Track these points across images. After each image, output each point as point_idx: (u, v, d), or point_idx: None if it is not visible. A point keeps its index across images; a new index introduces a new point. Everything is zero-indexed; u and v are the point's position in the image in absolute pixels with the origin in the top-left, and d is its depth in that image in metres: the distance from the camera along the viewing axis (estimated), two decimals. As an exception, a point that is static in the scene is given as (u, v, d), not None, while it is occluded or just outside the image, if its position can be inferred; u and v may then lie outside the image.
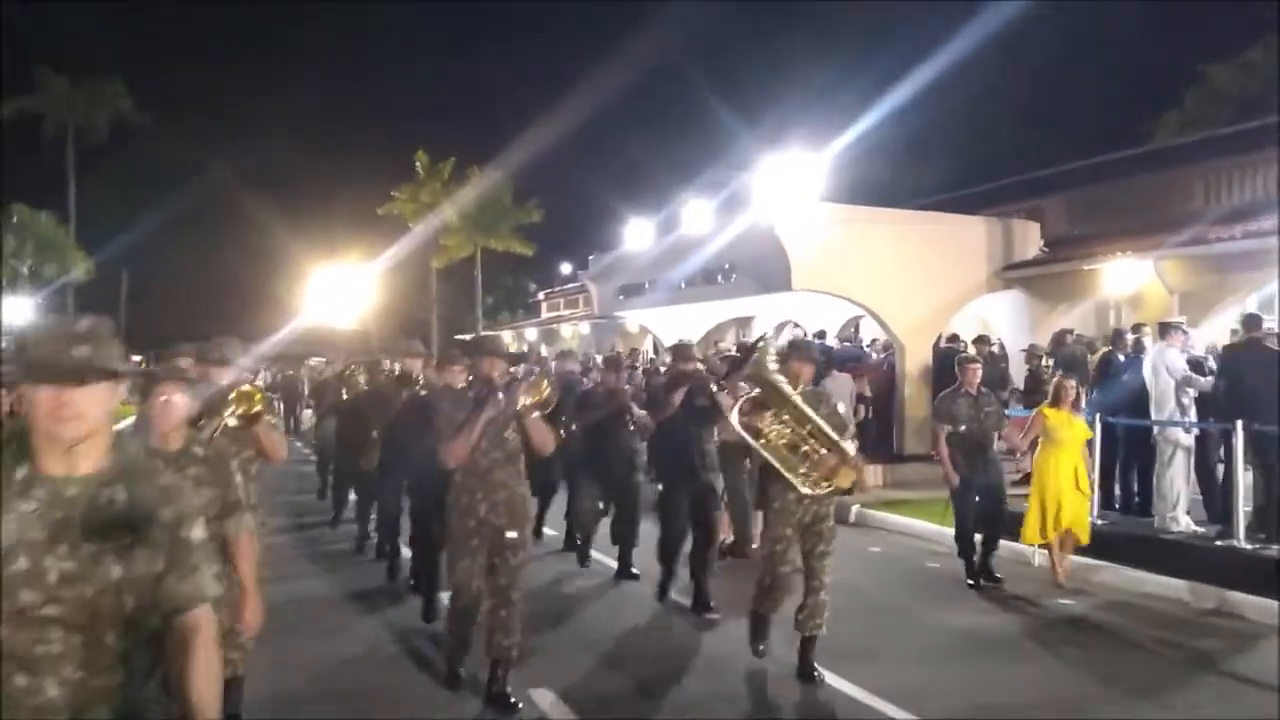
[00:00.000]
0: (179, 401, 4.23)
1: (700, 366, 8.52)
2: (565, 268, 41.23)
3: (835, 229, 14.66)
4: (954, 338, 14.99)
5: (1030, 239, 15.85)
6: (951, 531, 9.02)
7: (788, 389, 6.26)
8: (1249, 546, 8.44)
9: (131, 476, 2.32)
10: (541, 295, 43.05)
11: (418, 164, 38.24)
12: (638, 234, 21.20)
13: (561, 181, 42.17)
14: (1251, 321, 9.68)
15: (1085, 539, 8.76)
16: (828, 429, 6.28)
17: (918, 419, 14.16)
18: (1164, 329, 10.43)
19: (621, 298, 21.61)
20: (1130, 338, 11.17)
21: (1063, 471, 8.69)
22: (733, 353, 12.41)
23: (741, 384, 6.85)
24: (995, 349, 14.74)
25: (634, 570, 8.83)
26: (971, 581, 8.59)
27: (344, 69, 56.69)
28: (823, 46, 40.32)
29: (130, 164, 46.64)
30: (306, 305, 37.46)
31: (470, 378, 6.37)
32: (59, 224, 40.34)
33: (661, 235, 20.07)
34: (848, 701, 5.81)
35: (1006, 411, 10.30)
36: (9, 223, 37.83)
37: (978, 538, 8.72)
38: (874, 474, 13.22)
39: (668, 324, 21.07)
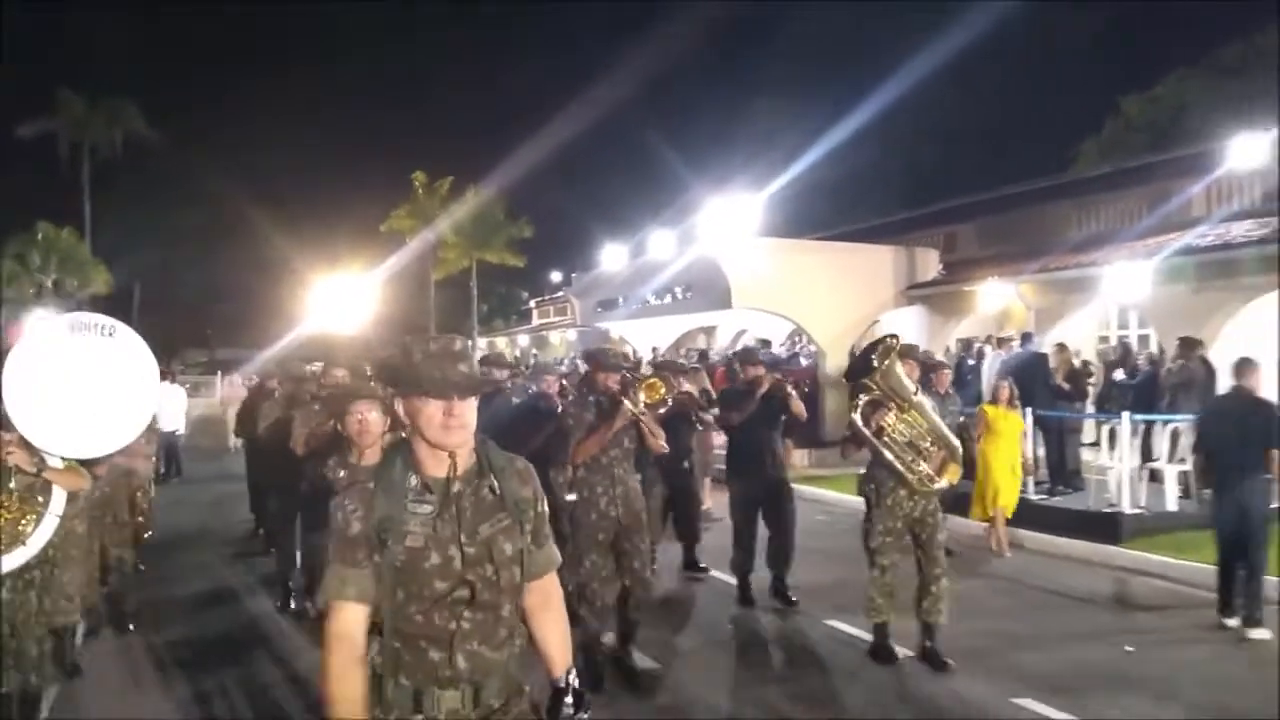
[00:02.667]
0: (374, 418, 4.67)
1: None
2: (555, 276, 44.82)
3: (768, 258, 18.44)
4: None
5: (930, 264, 19.68)
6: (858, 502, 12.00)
7: (910, 389, 6.75)
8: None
9: (496, 467, 2.69)
10: (533, 304, 46.27)
11: (416, 184, 41.30)
12: (613, 256, 25.14)
13: (550, 200, 45.56)
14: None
15: (1009, 511, 10.66)
16: (943, 428, 6.87)
17: (836, 413, 17.81)
18: (999, 341, 14.20)
19: (600, 310, 25.40)
20: (976, 347, 14.97)
21: (1001, 458, 10.45)
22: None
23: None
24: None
25: (702, 565, 9.57)
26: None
27: (348, 91, 60.16)
28: (763, 99, 44.15)
29: (142, 181, 48.77)
30: (309, 314, 40.22)
31: (582, 387, 7.06)
32: (79, 240, 43.40)
33: (632, 258, 23.98)
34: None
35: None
36: (35, 240, 41.06)
37: None
38: (801, 456, 16.82)
39: (640, 333, 24.87)
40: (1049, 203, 19.86)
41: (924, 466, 6.72)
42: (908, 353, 7.01)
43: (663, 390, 6.43)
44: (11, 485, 5.44)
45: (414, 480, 2.61)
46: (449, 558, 2.57)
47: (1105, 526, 10.76)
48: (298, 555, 8.58)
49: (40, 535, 5.53)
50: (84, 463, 5.67)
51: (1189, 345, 12.74)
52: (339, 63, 63.11)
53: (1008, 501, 10.68)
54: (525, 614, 2.79)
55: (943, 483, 6.82)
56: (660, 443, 6.55)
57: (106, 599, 7.61)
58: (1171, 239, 15.27)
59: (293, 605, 8.42)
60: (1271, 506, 8.42)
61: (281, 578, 8.82)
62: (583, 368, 12.96)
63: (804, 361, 19.89)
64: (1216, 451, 8.27)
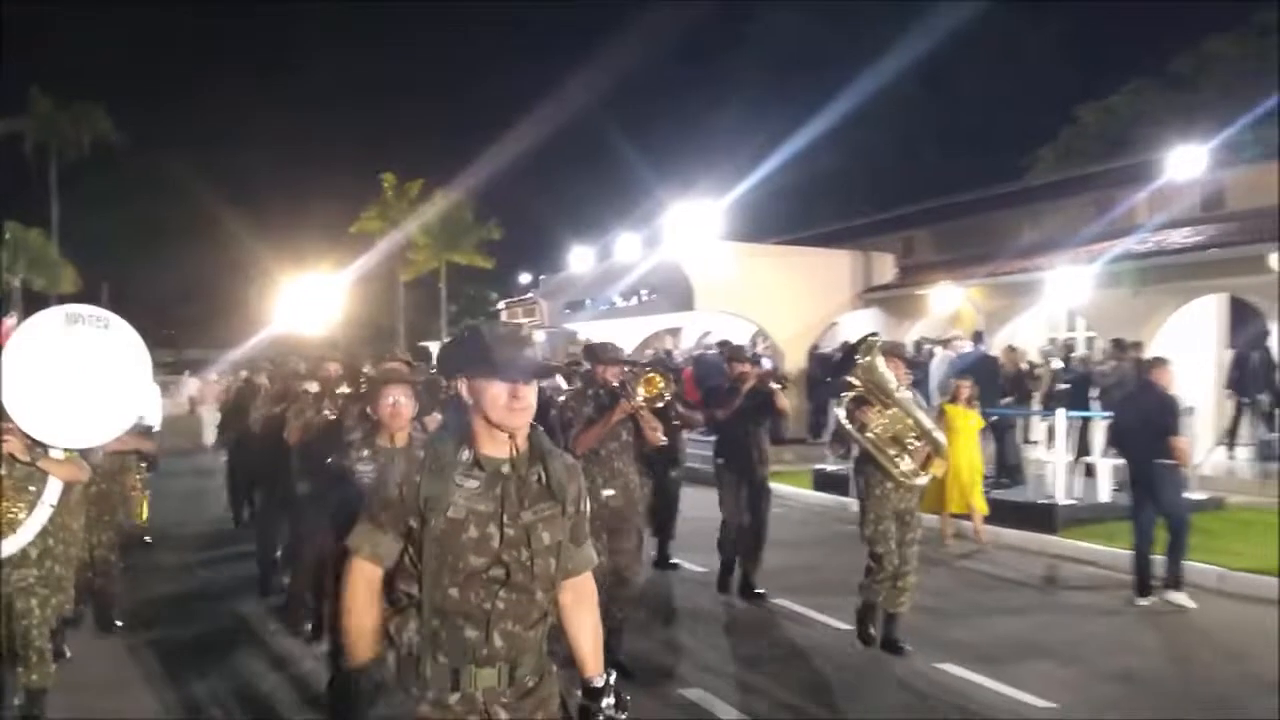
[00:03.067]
0: (405, 402, 4.76)
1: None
2: (525, 277, 45.24)
3: (730, 261, 19.10)
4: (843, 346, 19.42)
5: (887, 267, 20.40)
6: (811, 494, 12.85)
7: (893, 386, 6.86)
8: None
9: (547, 457, 2.76)
10: (502, 305, 46.63)
11: (385, 185, 41.56)
12: (579, 258, 25.67)
13: (519, 202, 45.94)
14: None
15: (983, 508, 11.20)
16: (926, 423, 6.96)
17: (794, 411, 18.48)
18: (945, 343, 14.88)
19: (567, 311, 25.94)
20: (925, 348, 15.65)
21: (959, 455, 10.57)
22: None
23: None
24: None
25: (673, 560, 9.88)
26: None
27: (317, 92, 60.36)
28: (726, 105, 44.99)
29: (109, 181, 48.57)
30: (277, 314, 40.36)
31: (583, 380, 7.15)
32: (46, 240, 43.46)
33: (599, 261, 24.55)
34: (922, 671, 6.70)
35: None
36: (3, 240, 41.09)
37: None
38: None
39: (606, 334, 25.40)
40: (1001, 209, 20.64)
41: (908, 461, 6.89)
42: (891, 350, 7.16)
43: (661, 385, 6.53)
44: (2, 472, 5.51)
45: (466, 455, 2.70)
46: (487, 535, 2.65)
47: (1042, 517, 11.42)
48: (278, 550, 8.91)
49: (33, 524, 5.61)
50: (81, 454, 5.74)
51: (1120, 346, 13.48)
52: (308, 64, 63.33)
53: (975, 495, 11.23)
54: (559, 610, 2.84)
55: (926, 477, 7.01)
56: (659, 436, 6.64)
57: (91, 597, 7.65)
58: (1113, 245, 15.99)
59: (276, 599, 8.52)
60: (1184, 494, 9.19)
61: (267, 572, 8.92)
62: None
63: (765, 363, 20.48)
64: (1130, 444, 9.00)
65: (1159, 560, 8.67)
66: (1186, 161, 16.56)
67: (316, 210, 45.71)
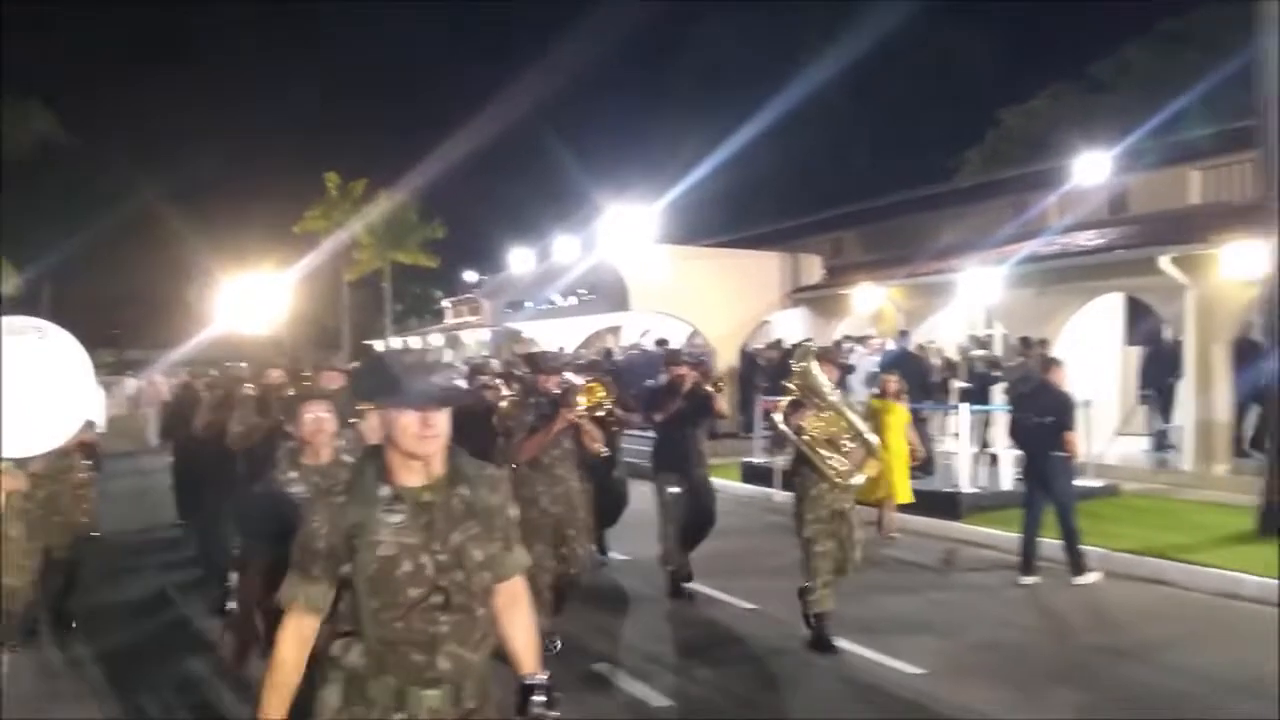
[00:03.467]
0: (327, 418, 4.69)
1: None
2: (470, 276, 45.63)
3: (664, 263, 19.85)
4: (775, 344, 20.20)
5: (814, 269, 21.26)
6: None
7: (827, 390, 7.12)
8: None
9: (467, 477, 2.81)
10: (447, 303, 46.92)
11: (329, 185, 41.72)
12: (520, 259, 26.30)
13: (464, 202, 46.29)
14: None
15: (909, 498, 11.63)
16: (859, 425, 7.20)
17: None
18: (863, 340, 15.70)
19: (508, 310, 26.57)
20: (845, 346, 16.48)
21: (890, 448, 10.73)
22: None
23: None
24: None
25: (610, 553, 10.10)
26: None
27: (261, 92, 60.35)
28: (662, 111, 45.92)
29: (51, 182, 48.59)
30: (220, 314, 40.35)
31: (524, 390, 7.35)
32: None
33: (539, 262, 25.19)
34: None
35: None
36: None
37: None
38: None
39: (547, 333, 26.07)
40: (921, 212, 21.61)
41: (842, 462, 7.11)
42: (825, 355, 7.45)
43: (601, 394, 6.80)
44: None
45: (385, 490, 2.71)
46: (420, 565, 2.67)
47: (947, 504, 12.22)
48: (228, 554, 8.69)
49: None
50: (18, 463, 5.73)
51: (1026, 344, 14.38)
52: (252, 64, 63.05)
53: (901, 489, 11.60)
54: (493, 613, 2.88)
55: (860, 477, 7.27)
56: (599, 446, 6.87)
57: (49, 599, 7.76)
58: (1021, 247, 16.91)
59: (228, 606, 8.60)
60: (1074, 482, 10.04)
61: (216, 577, 8.81)
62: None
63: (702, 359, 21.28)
64: (1027, 438, 9.84)
65: (1051, 544, 9.48)
66: (1092, 167, 17.52)
67: (260, 210, 45.45)
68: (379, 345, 40.57)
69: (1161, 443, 14.75)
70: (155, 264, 49.07)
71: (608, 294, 20.77)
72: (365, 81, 64.40)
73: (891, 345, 16.41)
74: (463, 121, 34.79)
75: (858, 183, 30.62)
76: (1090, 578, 9.21)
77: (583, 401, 6.69)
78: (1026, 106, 31.51)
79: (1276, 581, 8.49)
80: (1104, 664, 7.02)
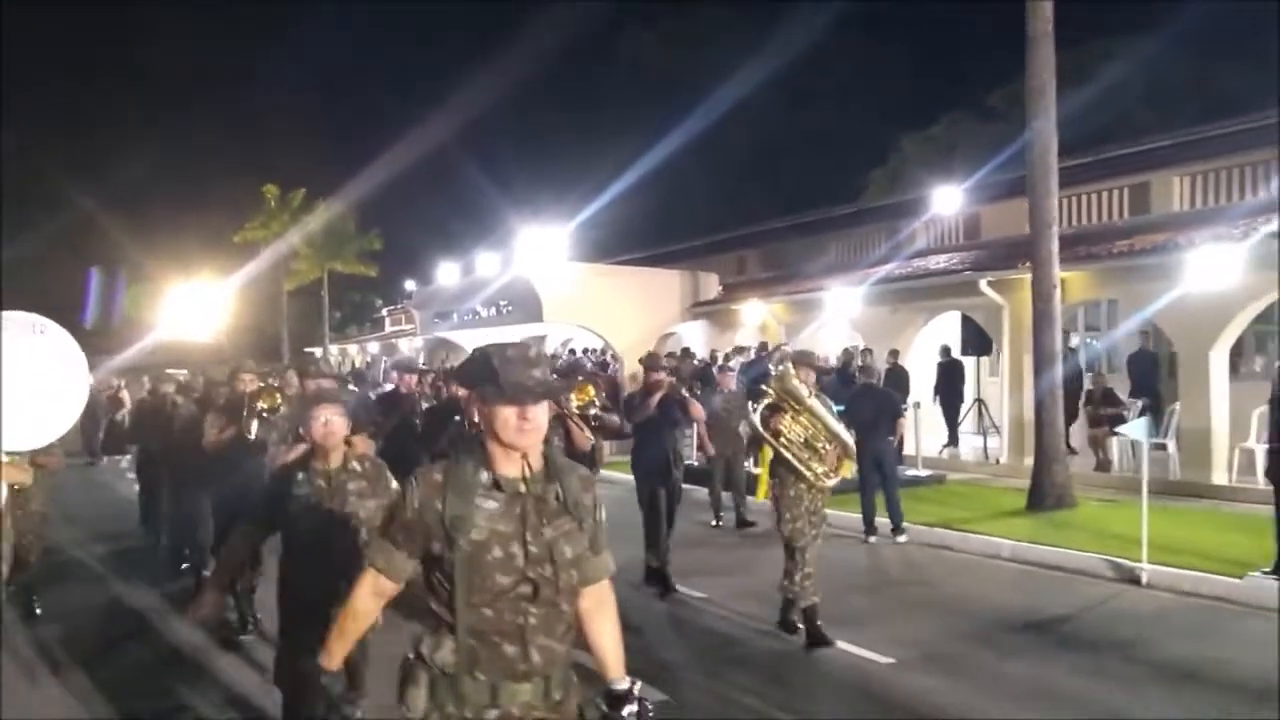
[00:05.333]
0: (338, 421, 4.64)
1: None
2: (410, 284, 47.58)
3: (574, 279, 22.31)
4: (671, 354, 22.70)
5: (711, 285, 23.90)
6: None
7: (804, 394, 7.32)
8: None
9: (562, 473, 2.91)
10: (385, 312, 48.66)
11: (268, 196, 43.40)
12: (446, 273, 28.73)
13: (399, 215, 48.33)
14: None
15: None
16: (836, 427, 7.42)
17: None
18: (738, 350, 18.23)
19: (437, 320, 28.91)
20: (720, 354, 19.03)
21: None
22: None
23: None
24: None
25: None
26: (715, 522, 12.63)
27: (201, 101, 62.04)
28: (578, 133, 48.79)
29: None
30: (162, 321, 41.45)
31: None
32: None
33: (463, 275, 27.63)
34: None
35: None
36: None
37: (724, 494, 12.67)
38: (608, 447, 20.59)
39: (473, 341, 28.44)
40: (811, 235, 24.24)
41: (819, 464, 7.35)
42: (802, 360, 7.67)
43: (591, 394, 7.24)
44: None
45: (485, 476, 2.80)
46: (512, 554, 2.75)
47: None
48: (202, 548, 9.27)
49: None
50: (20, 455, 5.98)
51: (895, 355, 17.12)
52: (191, 73, 64.77)
53: None
54: (579, 617, 2.94)
55: (836, 479, 7.48)
56: (586, 436, 7.23)
57: (21, 587, 8.15)
58: (877, 270, 19.58)
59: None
60: (899, 466, 12.57)
61: (176, 564, 9.88)
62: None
63: (611, 366, 23.77)
64: (859, 426, 12.30)
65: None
66: (947, 198, 20.21)
67: (201, 219, 46.90)
68: (318, 352, 42.42)
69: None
70: (93, 270, 49.97)
71: (524, 307, 23.20)
72: (303, 95, 66.69)
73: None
74: (395, 140, 37.05)
75: (767, 202, 33.39)
76: (903, 538, 11.58)
77: (574, 399, 7.16)
78: (926, 132, 34.35)
79: (1025, 544, 10.94)
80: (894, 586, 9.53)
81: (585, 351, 24.36)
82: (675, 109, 34.45)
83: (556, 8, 47.45)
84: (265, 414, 8.00)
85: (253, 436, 8.01)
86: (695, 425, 12.42)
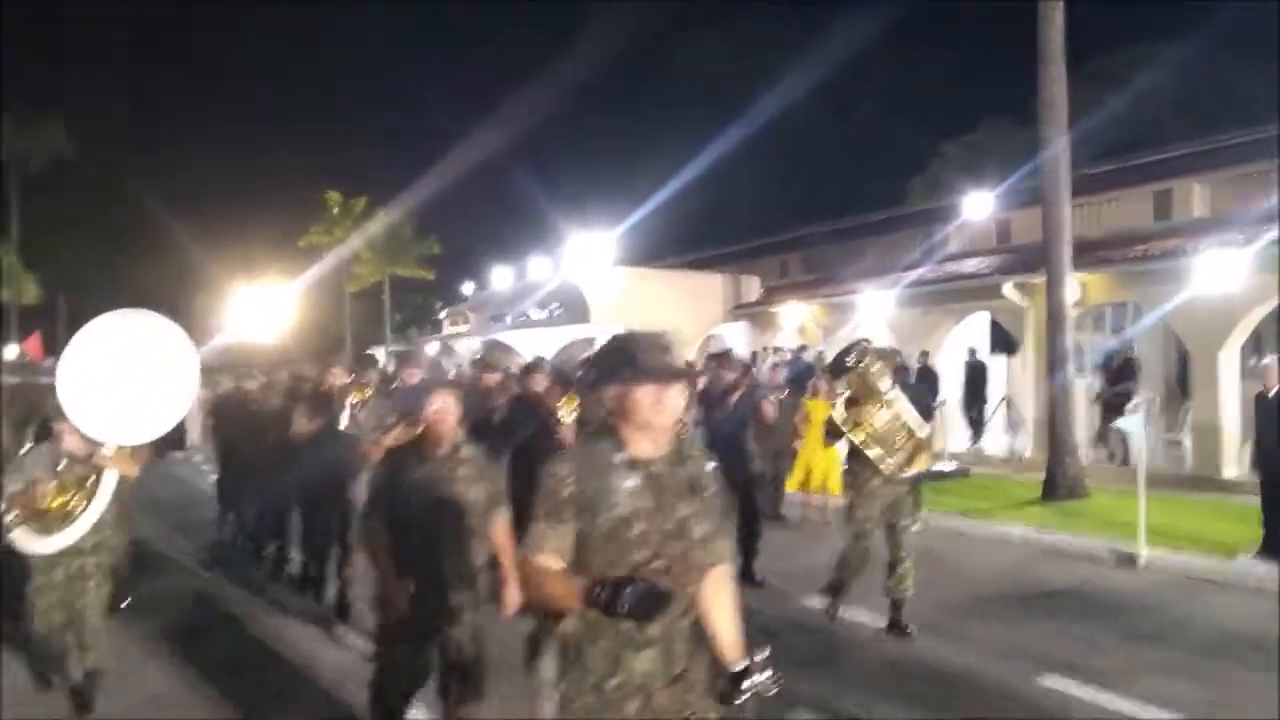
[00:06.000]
0: (451, 407, 4.74)
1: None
2: (468, 287, 48.75)
3: (620, 282, 23.31)
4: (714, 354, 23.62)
5: (753, 288, 24.78)
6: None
7: (884, 387, 7.38)
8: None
9: (689, 456, 3.01)
10: (444, 314, 49.79)
11: (330, 203, 44.79)
12: (500, 277, 29.91)
13: (458, 220, 49.58)
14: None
15: (838, 490, 11.97)
16: (912, 421, 7.43)
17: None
18: (774, 350, 19.09)
19: (491, 322, 30.07)
20: (758, 355, 19.90)
21: (817, 442, 11.90)
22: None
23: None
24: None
25: None
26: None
27: (268, 108, 63.96)
28: (629, 140, 49.97)
29: (67, 194, 50.37)
30: (228, 323, 42.77)
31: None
32: (9, 253, 46.18)
33: (516, 279, 28.76)
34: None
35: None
36: None
37: None
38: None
39: (525, 342, 29.57)
40: (850, 240, 25.04)
41: (896, 457, 7.37)
42: (881, 354, 7.69)
43: (575, 402, 7.74)
44: (60, 468, 5.93)
45: (622, 456, 2.89)
46: (647, 531, 2.84)
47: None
48: (292, 536, 9.76)
49: (89, 515, 5.95)
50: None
51: (925, 356, 17.92)
52: (260, 80, 66.79)
53: (831, 479, 12.54)
54: (699, 600, 2.99)
55: (913, 471, 7.48)
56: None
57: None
58: (909, 273, 20.35)
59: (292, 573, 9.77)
60: None
61: (256, 554, 10.35)
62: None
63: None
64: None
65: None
66: (978, 204, 20.94)
67: (266, 223, 48.10)
68: (380, 352, 43.65)
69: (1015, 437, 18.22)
70: (167, 274, 50.64)
71: (572, 309, 24.23)
72: (363, 103, 68.61)
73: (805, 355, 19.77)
74: (452, 147, 38.29)
75: (811, 208, 34.22)
76: (917, 525, 12.35)
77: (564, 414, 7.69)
78: (966, 139, 34.89)
79: (1034, 530, 11.85)
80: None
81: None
82: (720, 117, 35.48)
83: (607, 20, 48.71)
84: (356, 407, 8.26)
85: (343, 428, 8.28)
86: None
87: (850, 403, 7.49)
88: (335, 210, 45.42)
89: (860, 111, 42.72)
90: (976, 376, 18.30)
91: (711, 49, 48.55)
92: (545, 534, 2.91)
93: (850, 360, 7.43)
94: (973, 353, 18.58)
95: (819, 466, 12.70)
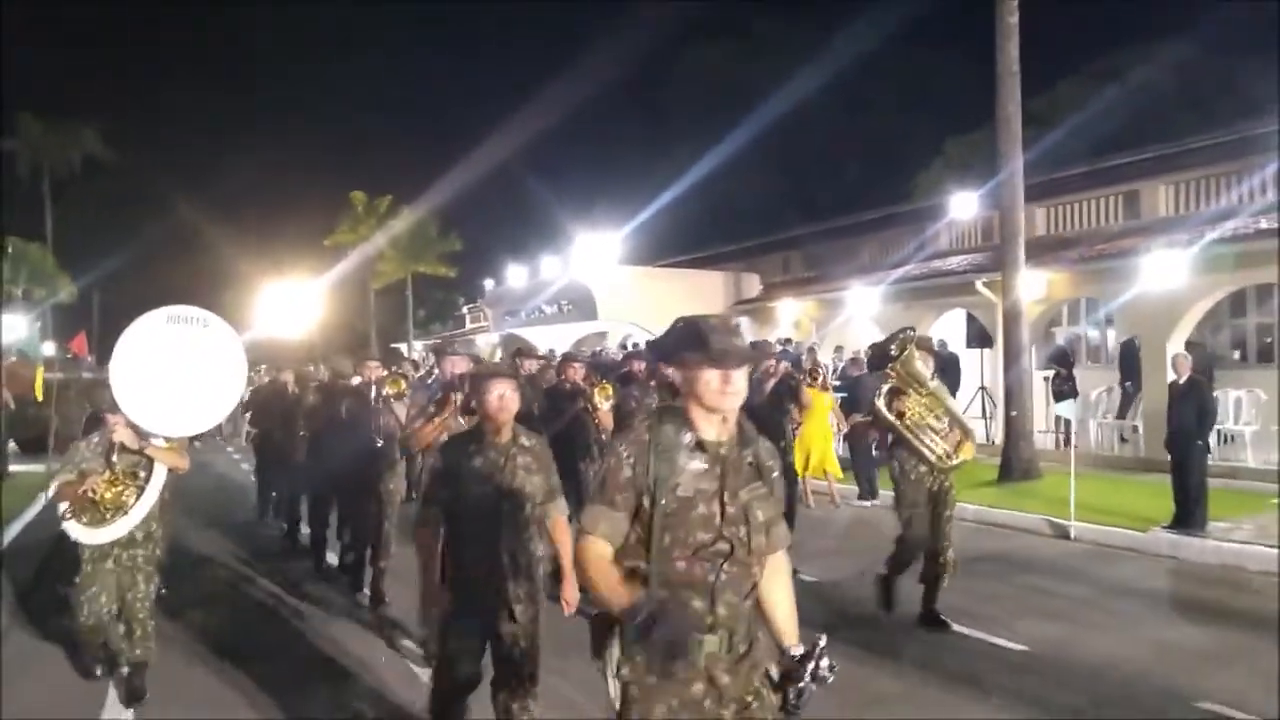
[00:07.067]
0: (511, 395, 4.72)
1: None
2: (489, 283, 50.05)
3: (625, 281, 24.72)
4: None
5: (753, 285, 26.12)
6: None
7: (927, 376, 7.42)
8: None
9: (752, 440, 3.03)
10: (466, 309, 51.03)
11: (355, 202, 46.22)
12: (515, 274, 31.38)
13: (478, 219, 50.86)
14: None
15: (838, 473, 13.91)
16: (956, 411, 7.51)
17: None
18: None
19: (507, 318, 31.55)
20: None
21: (815, 427, 12.99)
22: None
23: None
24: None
25: None
26: None
27: (293, 110, 65.78)
28: (634, 143, 51.42)
29: (98, 196, 52.24)
30: (257, 319, 44.08)
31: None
32: (44, 253, 47.79)
33: (530, 277, 30.20)
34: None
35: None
36: (5, 253, 45.55)
37: None
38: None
39: (538, 337, 31.01)
40: (844, 238, 26.35)
41: (941, 446, 7.42)
42: (924, 344, 7.69)
43: (610, 391, 8.16)
44: (115, 460, 6.00)
45: (689, 438, 2.94)
46: (712, 513, 2.90)
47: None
48: (333, 523, 9.85)
49: (141, 507, 6.01)
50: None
51: (941, 344, 19.08)
52: (285, 85, 68.63)
53: (829, 462, 13.71)
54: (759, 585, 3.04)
55: (958, 460, 7.53)
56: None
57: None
58: (895, 271, 21.63)
59: (327, 564, 10.02)
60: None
61: (315, 542, 10.21)
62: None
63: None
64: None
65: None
66: (964, 205, 22.17)
67: (294, 222, 49.50)
68: (403, 348, 45.01)
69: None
70: (196, 272, 51.37)
71: (581, 306, 25.71)
72: (386, 104, 70.36)
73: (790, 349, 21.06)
74: (472, 147, 39.72)
75: (819, 207, 35.43)
76: (874, 502, 13.68)
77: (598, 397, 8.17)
78: (966, 138, 35.88)
79: (985, 508, 13.15)
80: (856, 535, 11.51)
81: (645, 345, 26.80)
82: (724, 119, 36.78)
83: (623, 25, 50.32)
84: (392, 398, 8.46)
85: (380, 420, 8.55)
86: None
87: (894, 393, 7.54)
88: (360, 209, 46.63)
89: (866, 111, 43.86)
90: (948, 368, 19.41)
91: (717, 52, 49.87)
92: (599, 516, 2.95)
93: (893, 349, 7.45)
94: (943, 345, 19.75)
95: (816, 450, 13.56)
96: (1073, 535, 11.60)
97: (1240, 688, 6.40)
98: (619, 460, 2.96)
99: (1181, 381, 11.22)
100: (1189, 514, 10.97)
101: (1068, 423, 14.68)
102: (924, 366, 7.48)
